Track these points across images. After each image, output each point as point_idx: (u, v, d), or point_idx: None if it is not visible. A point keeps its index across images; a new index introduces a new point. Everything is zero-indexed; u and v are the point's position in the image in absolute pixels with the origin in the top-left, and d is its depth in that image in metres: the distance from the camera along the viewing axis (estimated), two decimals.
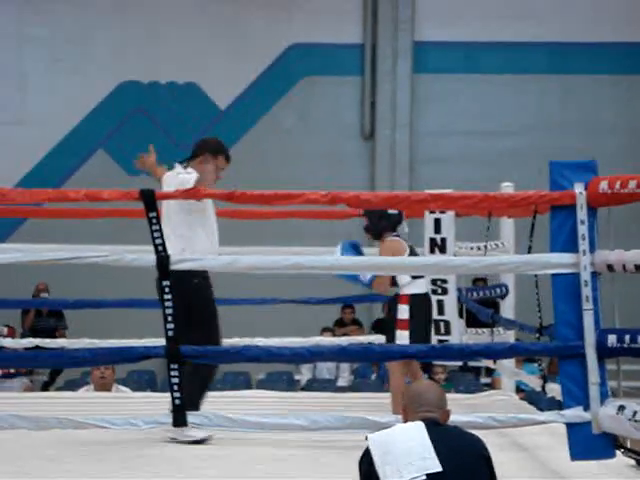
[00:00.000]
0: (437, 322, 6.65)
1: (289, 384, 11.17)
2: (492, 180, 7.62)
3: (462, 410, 6.11)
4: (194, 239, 4.95)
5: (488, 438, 3.48)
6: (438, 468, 3.28)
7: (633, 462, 4.75)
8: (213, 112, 14.01)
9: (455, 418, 4.26)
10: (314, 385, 10.86)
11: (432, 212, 6.32)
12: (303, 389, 10.76)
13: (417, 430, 3.38)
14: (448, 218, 6.38)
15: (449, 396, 7.41)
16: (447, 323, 6.69)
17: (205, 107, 14.01)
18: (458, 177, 12.52)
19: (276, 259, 4.52)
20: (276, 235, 5.92)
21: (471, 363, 9.08)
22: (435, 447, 3.32)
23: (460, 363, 8.89)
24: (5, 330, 11.96)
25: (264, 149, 13.75)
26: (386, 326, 5.90)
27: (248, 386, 10.55)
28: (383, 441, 3.39)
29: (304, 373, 11.55)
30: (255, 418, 4.09)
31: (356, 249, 5.53)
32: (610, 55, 13.78)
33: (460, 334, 6.65)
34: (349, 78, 13.94)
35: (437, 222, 6.39)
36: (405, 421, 3.49)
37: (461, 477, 3.31)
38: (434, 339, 6.64)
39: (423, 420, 3.43)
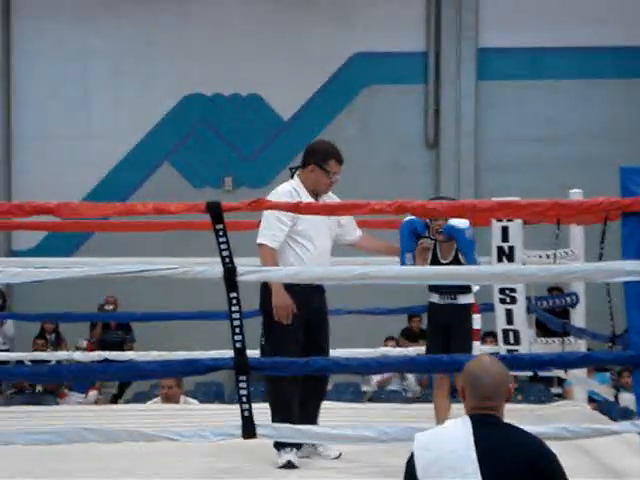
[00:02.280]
0: (506, 331, 6.57)
1: (355, 395, 11.13)
2: (559, 187, 7.52)
3: (533, 421, 6.04)
4: (283, 256, 5.09)
5: (559, 448, 3.41)
6: None
7: None
8: (276, 123, 14.05)
9: (526, 429, 4.20)
10: (381, 396, 10.80)
11: (499, 220, 6.24)
12: (370, 400, 10.71)
13: (464, 435, 3.24)
14: (515, 226, 6.30)
15: (519, 407, 7.32)
16: (516, 332, 6.60)
17: (268, 118, 14.05)
18: (524, 184, 12.40)
19: (341, 269, 4.50)
20: (340, 246, 5.89)
21: (542, 373, 8.95)
22: (479, 455, 3.18)
23: (530, 373, 8.77)
24: (85, 343, 12.08)
25: None
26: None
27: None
28: (429, 447, 3.27)
29: (371, 384, 11.49)
30: (324, 429, 4.06)
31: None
32: None
33: (530, 343, 6.56)
34: (412, 87, 13.89)
35: (504, 230, 6.30)
36: (463, 399, 3.36)
37: None
38: (503, 348, 6.56)
39: (476, 416, 3.29)
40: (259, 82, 13.90)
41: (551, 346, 6.61)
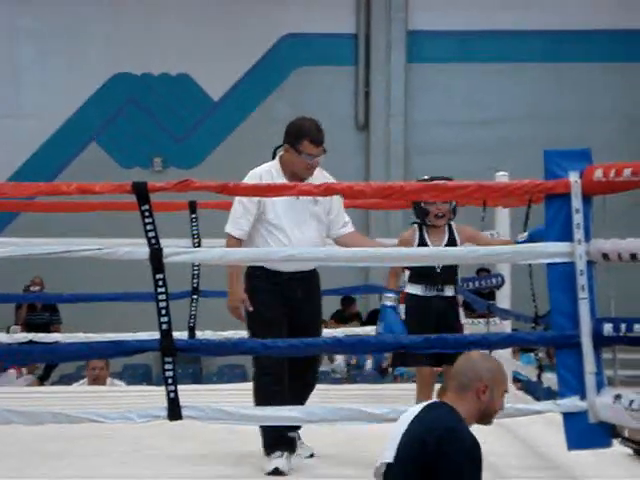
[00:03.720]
0: None
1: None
2: (488, 169, 7.58)
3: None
4: (253, 242, 4.80)
5: (483, 429, 3.45)
6: (388, 460, 3.26)
7: (630, 451, 4.75)
8: (206, 103, 13.97)
9: None
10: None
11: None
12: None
13: (408, 415, 3.34)
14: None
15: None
16: None
17: (198, 98, 13.97)
18: (453, 167, 12.47)
19: (270, 250, 4.52)
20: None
21: None
22: (406, 434, 3.25)
23: None
24: (18, 329, 11.89)
25: (258, 140, 13.68)
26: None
27: (244, 379, 10.52)
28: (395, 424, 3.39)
29: None
30: (252, 411, 4.06)
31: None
32: (605, 43, 13.76)
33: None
34: (343, 68, 13.91)
35: None
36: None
37: (400, 468, 3.23)
38: None
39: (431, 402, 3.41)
40: (189, 62, 13.80)
41: (477, 327, 6.68)
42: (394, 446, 3.27)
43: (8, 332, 11.09)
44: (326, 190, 4.25)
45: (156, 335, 4.02)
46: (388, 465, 3.26)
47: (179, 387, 3.96)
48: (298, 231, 4.79)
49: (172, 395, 3.94)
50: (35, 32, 13.77)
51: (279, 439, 4.63)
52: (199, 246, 6.27)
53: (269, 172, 4.87)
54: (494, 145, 13.52)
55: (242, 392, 6.79)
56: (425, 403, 3.46)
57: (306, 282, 4.86)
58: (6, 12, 13.79)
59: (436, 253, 4.72)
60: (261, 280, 4.76)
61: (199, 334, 6.39)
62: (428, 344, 4.28)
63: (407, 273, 5.59)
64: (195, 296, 6.56)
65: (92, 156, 13.76)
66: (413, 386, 5.77)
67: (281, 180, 4.79)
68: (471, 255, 4.37)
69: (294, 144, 4.82)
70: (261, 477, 4.53)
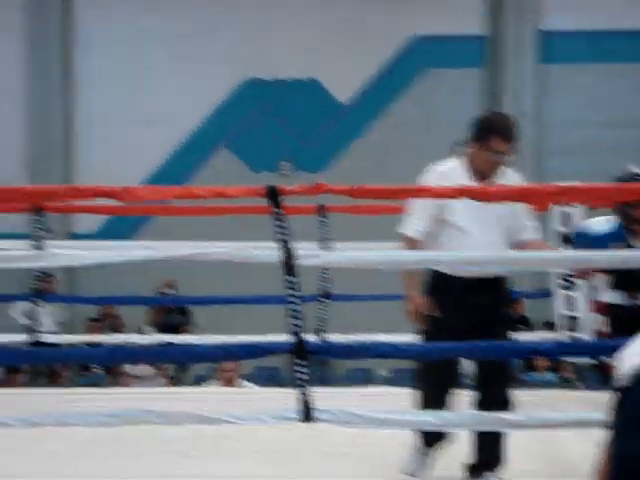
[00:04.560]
0: (568, 318, 6.50)
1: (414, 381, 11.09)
2: (619, 172, 7.40)
3: (591, 407, 5.96)
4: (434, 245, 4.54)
5: None
6: None
7: None
8: (335, 107, 14.02)
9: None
10: None
11: (561, 205, 6.14)
12: None
13: None
14: (577, 212, 6.22)
15: (578, 393, 7.18)
16: (578, 319, 6.53)
17: (326, 102, 14.02)
18: (586, 168, 12.23)
19: (402, 254, 4.46)
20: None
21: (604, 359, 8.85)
22: None
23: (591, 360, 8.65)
24: (150, 330, 12.15)
25: (386, 144, 13.68)
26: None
27: (370, 382, 10.53)
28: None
29: None
30: (383, 414, 4.03)
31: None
32: None
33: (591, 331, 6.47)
34: (472, 70, 13.77)
35: (566, 216, 6.22)
36: None
37: None
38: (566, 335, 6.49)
39: None
40: (318, 66, 13.88)
41: None
42: None
43: (139, 332, 11.38)
44: (461, 193, 4.19)
45: (288, 338, 4.03)
46: None
47: (310, 389, 3.97)
48: (483, 235, 4.50)
49: (304, 397, 3.95)
50: (168, 37, 14.01)
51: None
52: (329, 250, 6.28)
53: (454, 169, 4.61)
54: (628, 147, 13.17)
55: (371, 396, 6.81)
56: None
57: (493, 287, 4.55)
58: (139, 16, 14.05)
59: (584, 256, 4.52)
60: (437, 286, 4.54)
61: (328, 337, 6.39)
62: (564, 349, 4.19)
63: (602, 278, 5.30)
64: (325, 299, 6.57)
65: (223, 161, 13.96)
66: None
67: (465, 178, 4.54)
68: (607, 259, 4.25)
69: (481, 139, 4.52)
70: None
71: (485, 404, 4.48)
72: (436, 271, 4.53)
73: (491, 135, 4.47)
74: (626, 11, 13.42)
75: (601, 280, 5.23)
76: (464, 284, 4.47)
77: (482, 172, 4.53)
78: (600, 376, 10.44)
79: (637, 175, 4.74)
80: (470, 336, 4.32)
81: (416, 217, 4.54)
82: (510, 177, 4.60)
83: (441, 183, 4.43)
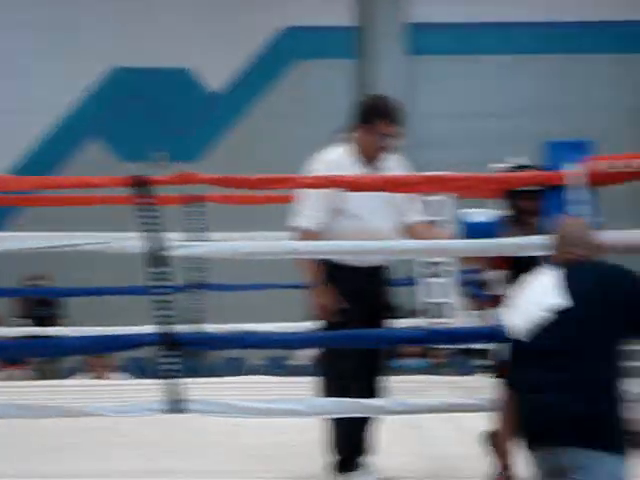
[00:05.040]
0: (435, 305, 6.62)
1: (286, 369, 11.15)
2: (490, 162, 7.56)
3: (459, 393, 6.10)
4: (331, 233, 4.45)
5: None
6: (564, 304, 3.30)
7: None
8: (205, 97, 13.94)
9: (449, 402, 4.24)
10: (311, 370, 10.82)
11: (426, 195, 6.23)
12: (299, 374, 10.72)
13: (549, 275, 3.41)
14: (442, 200, 6.34)
15: (447, 379, 7.37)
16: (446, 305, 6.66)
17: (197, 92, 13.93)
18: (455, 159, 12.46)
19: (274, 245, 4.46)
20: (270, 220, 5.88)
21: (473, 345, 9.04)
22: (568, 285, 3.34)
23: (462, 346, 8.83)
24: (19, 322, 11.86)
25: (259, 134, 13.68)
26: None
27: (243, 372, 10.53)
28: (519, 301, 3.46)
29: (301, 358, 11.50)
30: (254, 404, 4.04)
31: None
32: (607, 34, 13.73)
33: (461, 317, 6.61)
34: (342, 61, 13.86)
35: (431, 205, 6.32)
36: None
37: (590, 309, 3.30)
38: (432, 322, 6.61)
39: (565, 261, 3.47)
40: (188, 55, 13.76)
41: (482, 319, 6.67)
42: (560, 294, 3.31)
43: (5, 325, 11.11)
44: (328, 182, 4.22)
45: (161, 329, 3.99)
46: (562, 311, 3.28)
47: (181, 380, 3.95)
48: (375, 221, 4.49)
49: (174, 388, 3.93)
50: (33, 21, 13.66)
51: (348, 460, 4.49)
52: (204, 240, 6.24)
53: (342, 156, 4.56)
54: (496, 138, 13.46)
55: (244, 385, 6.83)
56: (554, 268, 3.48)
57: (377, 277, 4.58)
58: (6, 5, 13.73)
59: (439, 245, 4.61)
60: (333, 275, 4.45)
61: (203, 327, 6.35)
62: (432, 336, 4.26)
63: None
64: (199, 289, 6.54)
65: (92, 150, 13.74)
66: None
67: (353, 164, 4.51)
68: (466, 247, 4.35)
69: (367, 123, 4.51)
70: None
71: (362, 392, 4.43)
72: (329, 261, 4.45)
73: (377, 118, 4.48)
74: (495, 3, 13.70)
75: (498, 274, 5.33)
76: (357, 273, 4.45)
77: (369, 157, 4.53)
78: (470, 361, 10.68)
79: (521, 166, 4.83)
80: (366, 324, 4.36)
81: (311, 208, 4.45)
82: (396, 162, 4.63)
83: (330, 171, 4.40)
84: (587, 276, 3.40)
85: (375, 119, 4.48)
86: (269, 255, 4.26)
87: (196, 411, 3.91)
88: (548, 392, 3.17)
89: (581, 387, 3.17)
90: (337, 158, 4.56)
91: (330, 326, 4.43)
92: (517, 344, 3.33)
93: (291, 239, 4.53)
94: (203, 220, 6.37)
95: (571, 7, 13.73)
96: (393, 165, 4.61)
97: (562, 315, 3.26)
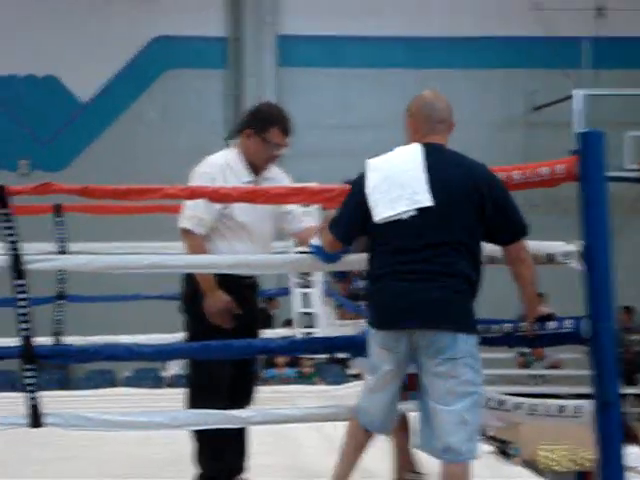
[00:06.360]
0: (304, 315, 6.65)
1: (156, 381, 11.08)
2: (356, 174, 7.67)
3: (329, 401, 6.16)
4: (213, 246, 4.40)
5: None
6: (428, 203, 3.50)
7: (494, 449, 4.88)
8: (74, 106, 13.75)
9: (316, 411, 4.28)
10: (181, 381, 10.77)
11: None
12: (170, 385, 10.67)
13: (415, 159, 3.57)
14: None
15: (316, 388, 7.41)
16: (313, 316, 6.70)
17: (66, 101, 13.74)
18: (322, 171, 12.55)
19: (132, 259, 4.37)
20: (134, 230, 5.83)
21: (339, 355, 9.13)
22: (430, 178, 3.52)
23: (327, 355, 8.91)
24: None
25: (126, 143, 13.56)
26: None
27: (113, 384, 10.41)
28: (379, 167, 3.64)
29: (171, 369, 11.44)
30: (113, 416, 4.00)
31: None
32: (465, 49, 14.09)
33: (327, 326, 6.65)
34: (213, 71, 13.87)
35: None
36: (412, 134, 3.72)
37: (447, 210, 3.50)
38: (300, 332, 6.64)
39: (425, 144, 3.62)
40: (56, 63, 13.57)
41: (345, 329, 6.74)
42: (424, 190, 3.50)
43: None
44: (192, 193, 4.21)
45: (17, 342, 3.93)
46: (423, 209, 3.49)
47: (45, 393, 3.89)
48: (260, 228, 4.48)
49: (33, 402, 3.86)
50: None
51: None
52: (65, 251, 6.14)
53: (232, 161, 4.47)
54: (361, 150, 13.58)
55: (110, 397, 6.74)
56: (419, 146, 3.63)
57: (253, 288, 4.58)
58: None
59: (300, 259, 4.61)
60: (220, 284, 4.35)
61: (66, 340, 6.24)
62: (299, 347, 4.29)
63: None
64: (60, 301, 6.42)
65: None
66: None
67: (238, 172, 4.44)
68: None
69: (260, 131, 4.42)
70: None
71: (236, 403, 4.39)
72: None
73: (270, 126, 4.42)
74: (363, 17, 13.90)
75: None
76: (239, 283, 4.40)
77: (257, 164, 4.48)
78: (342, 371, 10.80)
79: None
80: (238, 334, 4.30)
81: (199, 211, 4.37)
82: (277, 172, 4.61)
83: (222, 175, 4.38)
84: (452, 169, 3.57)
85: (269, 126, 4.43)
86: (129, 269, 4.20)
87: (53, 424, 3.85)
88: (412, 280, 3.48)
89: (441, 277, 3.48)
90: (226, 163, 4.47)
91: (197, 336, 4.36)
92: (383, 234, 3.56)
93: (181, 240, 4.49)
94: (63, 230, 6.24)
95: (433, 23, 14.05)
96: (274, 176, 4.58)
97: (428, 211, 3.49)
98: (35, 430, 3.87)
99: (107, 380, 10.82)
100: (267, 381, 9.83)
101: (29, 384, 3.83)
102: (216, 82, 13.88)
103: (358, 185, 3.68)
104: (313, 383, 9.96)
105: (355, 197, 3.69)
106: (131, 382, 10.52)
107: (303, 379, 10.61)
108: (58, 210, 6.23)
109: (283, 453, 5.45)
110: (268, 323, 11.50)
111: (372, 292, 3.66)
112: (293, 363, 11.06)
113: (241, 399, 4.52)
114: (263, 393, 7.17)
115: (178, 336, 7.29)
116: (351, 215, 3.72)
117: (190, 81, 13.81)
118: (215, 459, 4.41)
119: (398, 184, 3.54)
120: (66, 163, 13.39)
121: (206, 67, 13.83)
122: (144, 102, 13.81)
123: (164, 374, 11.50)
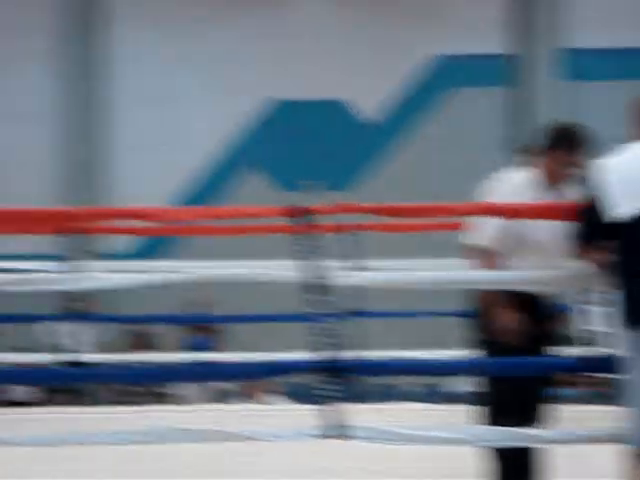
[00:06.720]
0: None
1: (434, 396, 11.07)
2: None
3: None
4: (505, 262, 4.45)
5: None
6: None
7: None
8: (358, 127, 14.03)
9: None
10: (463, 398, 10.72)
11: None
12: (449, 401, 10.63)
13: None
14: None
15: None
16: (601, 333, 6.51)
17: (350, 122, 14.03)
18: None
19: (432, 276, 4.38)
20: (429, 247, 5.86)
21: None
22: None
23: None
24: None
25: (413, 162, 13.66)
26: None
27: (395, 398, 10.48)
28: (616, 167, 3.56)
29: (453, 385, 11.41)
30: (419, 432, 4.02)
31: None
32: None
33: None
34: (494, 89, 13.78)
35: None
36: None
37: None
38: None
39: None
40: (341, 86, 13.88)
41: None
42: None
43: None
44: (486, 210, 4.21)
45: (320, 355, 4.03)
46: None
47: (341, 406, 3.97)
48: (550, 245, 4.39)
49: (335, 414, 3.95)
50: (194, 59, 14.03)
51: None
52: (362, 268, 6.25)
53: (528, 180, 4.51)
54: None
55: (395, 412, 6.77)
56: None
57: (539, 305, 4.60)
58: (167, 40, 14.14)
59: None
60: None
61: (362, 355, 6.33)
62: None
63: None
64: (358, 317, 6.55)
65: (250, 180, 13.99)
66: None
67: (536, 189, 4.47)
68: None
69: (549, 149, 4.47)
70: None
71: (525, 421, 4.40)
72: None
73: (558, 145, 4.44)
74: None
75: None
76: (529, 300, 4.46)
77: (551, 182, 4.49)
78: None
79: None
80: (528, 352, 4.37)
81: (491, 228, 4.40)
82: (571, 190, 4.46)
83: (515, 193, 4.42)
84: None
85: (557, 146, 4.44)
86: (428, 285, 4.24)
87: (359, 438, 3.92)
88: None
89: None
90: (522, 181, 4.53)
91: (498, 351, 4.40)
92: (633, 229, 3.46)
93: (466, 257, 4.55)
94: (359, 248, 6.39)
95: None
96: (572, 192, 4.46)
97: None
98: None
99: (396, 395, 10.91)
100: (557, 400, 9.60)
101: (331, 396, 3.92)
102: (496, 100, 13.77)
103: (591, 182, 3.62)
104: (596, 403, 9.63)
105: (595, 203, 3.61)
106: (411, 396, 10.57)
107: (586, 398, 10.31)
108: (355, 229, 6.39)
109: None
110: (560, 340, 11.22)
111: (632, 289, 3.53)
112: (572, 383, 10.75)
113: (533, 418, 4.49)
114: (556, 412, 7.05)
115: (459, 352, 7.29)
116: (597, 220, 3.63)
117: (472, 99, 13.77)
118: (515, 476, 4.39)
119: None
120: (353, 183, 13.67)
121: (488, 85, 13.75)
122: (428, 121, 13.90)
123: (445, 389, 11.47)
